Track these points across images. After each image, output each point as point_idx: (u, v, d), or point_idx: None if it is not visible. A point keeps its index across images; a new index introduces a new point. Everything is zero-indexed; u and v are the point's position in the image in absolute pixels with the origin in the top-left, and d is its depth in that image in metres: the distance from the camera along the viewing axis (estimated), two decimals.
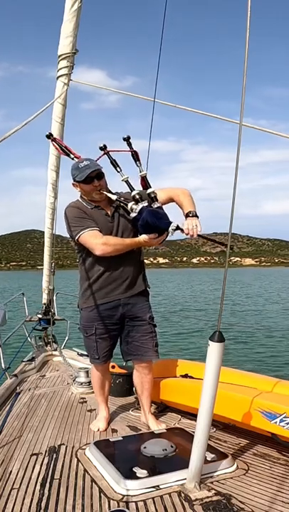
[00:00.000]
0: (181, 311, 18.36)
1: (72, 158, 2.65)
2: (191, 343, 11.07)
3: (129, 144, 2.50)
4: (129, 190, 2.55)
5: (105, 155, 2.55)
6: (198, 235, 2.32)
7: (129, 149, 2.50)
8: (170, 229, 2.31)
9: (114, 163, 2.54)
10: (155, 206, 2.43)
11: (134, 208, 2.46)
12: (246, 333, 12.11)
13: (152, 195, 2.46)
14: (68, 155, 2.68)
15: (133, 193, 2.49)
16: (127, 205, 2.51)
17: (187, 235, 2.31)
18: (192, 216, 2.38)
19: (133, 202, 2.49)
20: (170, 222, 2.33)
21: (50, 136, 2.75)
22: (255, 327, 13.53)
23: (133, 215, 2.47)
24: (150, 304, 2.74)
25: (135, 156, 2.50)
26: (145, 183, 2.49)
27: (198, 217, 2.39)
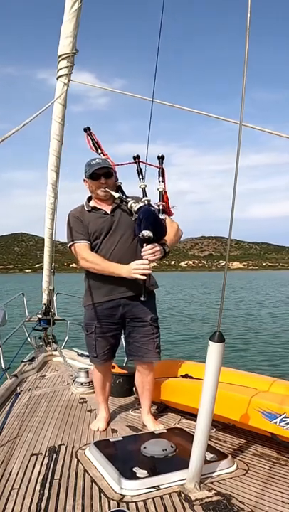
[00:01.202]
0: (173, 316, 17.82)
1: (100, 154, 2.78)
2: (183, 349, 10.81)
3: (161, 163, 2.71)
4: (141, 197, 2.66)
5: (135, 163, 2.71)
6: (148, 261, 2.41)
7: (158, 166, 2.70)
8: (146, 232, 2.38)
9: (140, 172, 2.69)
10: (161, 217, 2.55)
11: (134, 206, 2.54)
12: (241, 340, 11.85)
13: (161, 207, 2.61)
14: (97, 150, 2.80)
15: (144, 198, 2.61)
16: (127, 202, 2.59)
17: (142, 252, 2.42)
18: (162, 246, 2.47)
19: (134, 200, 2.58)
20: (150, 230, 2.39)
21: (87, 129, 2.86)
22: (250, 332, 13.32)
23: (134, 218, 2.55)
24: (155, 304, 2.72)
25: (161, 172, 2.69)
26: (160, 197, 2.66)
27: (166, 254, 2.49)
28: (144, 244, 2.43)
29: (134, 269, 2.41)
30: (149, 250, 2.41)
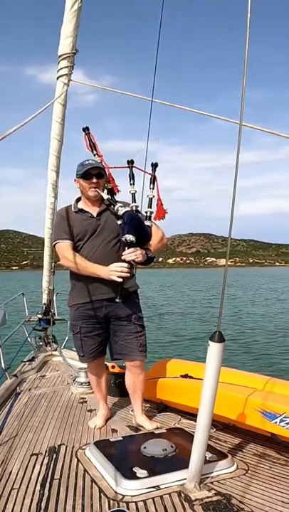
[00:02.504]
0: (164, 315, 17.31)
1: (95, 155, 2.80)
2: (174, 350, 10.54)
3: (154, 170, 2.73)
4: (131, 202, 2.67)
5: (128, 168, 2.71)
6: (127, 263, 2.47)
7: (151, 173, 2.73)
8: (128, 236, 2.41)
9: (132, 177, 2.70)
10: (146, 223, 2.60)
11: (120, 210, 2.57)
12: (238, 339, 11.73)
13: (148, 214, 2.65)
14: (92, 151, 2.82)
15: (132, 204, 2.64)
16: (115, 206, 2.62)
17: (122, 255, 2.46)
18: (145, 250, 2.50)
19: (121, 204, 2.60)
20: (133, 234, 2.42)
21: (86, 129, 2.87)
22: (246, 331, 13.15)
23: (119, 222, 2.57)
24: (139, 304, 2.75)
25: (154, 179, 2.72)
26: (149, 204, 2.68)
27: (149, 258, 2.53)
28: (126, 248, 2.47)
29: (111, 271, 2.46)
30: (129, 253, 2.44)
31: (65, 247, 2.63)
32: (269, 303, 23.89)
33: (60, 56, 3.34)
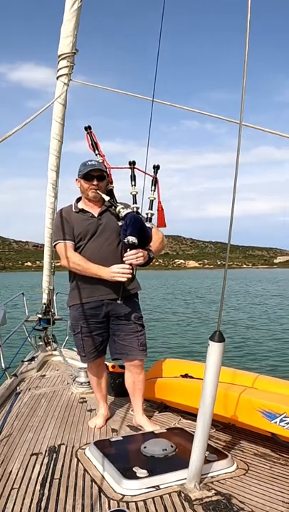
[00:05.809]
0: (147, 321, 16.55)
1: (97, 155, 2.80)
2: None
3: (156, 172, 2.70)
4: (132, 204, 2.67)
5: (129, 169, 2.69)
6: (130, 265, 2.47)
7: (153, 175, 2.70)
8: (131, 237, 2.41)
9: (133, 178, 2.68)
10: (147, 225, 2.59)
11: (122, 212, 2.57)
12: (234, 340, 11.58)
13: (149, 216, 2.65)
14: (94, 150, 2.83)
15: (133, 205, 2.63)
16: (116, 207, 2.62)
17: (124, 256, 2.47)
18: (146, 252, 2.50)
19: (122, 206, 2.61)
20: (135, 236, 2.42)
21: (88, 128, 2.87)
22: (241, 332, 13.04)
23: (120, 223, 2.56)
24: (138, 303, 2.76)
25: (155, 182, 2.70)
26: (150, 205, 2.67)
27: (150, 259, 2.52)
28: (128, 250, 2.46)
29: (113, 272, 2.47)
30: (131, 255, 2.44)
31: (66, 247, 2.63)
32: (253, 307, 22.88)
33: (59, 56, 3.34)
